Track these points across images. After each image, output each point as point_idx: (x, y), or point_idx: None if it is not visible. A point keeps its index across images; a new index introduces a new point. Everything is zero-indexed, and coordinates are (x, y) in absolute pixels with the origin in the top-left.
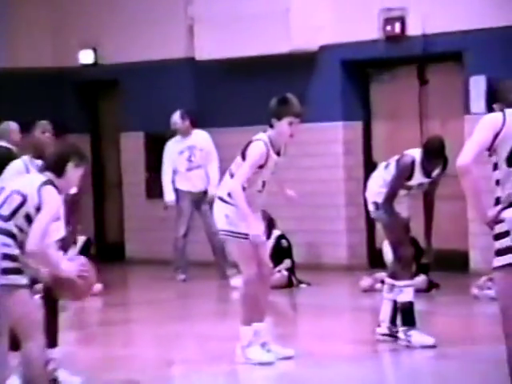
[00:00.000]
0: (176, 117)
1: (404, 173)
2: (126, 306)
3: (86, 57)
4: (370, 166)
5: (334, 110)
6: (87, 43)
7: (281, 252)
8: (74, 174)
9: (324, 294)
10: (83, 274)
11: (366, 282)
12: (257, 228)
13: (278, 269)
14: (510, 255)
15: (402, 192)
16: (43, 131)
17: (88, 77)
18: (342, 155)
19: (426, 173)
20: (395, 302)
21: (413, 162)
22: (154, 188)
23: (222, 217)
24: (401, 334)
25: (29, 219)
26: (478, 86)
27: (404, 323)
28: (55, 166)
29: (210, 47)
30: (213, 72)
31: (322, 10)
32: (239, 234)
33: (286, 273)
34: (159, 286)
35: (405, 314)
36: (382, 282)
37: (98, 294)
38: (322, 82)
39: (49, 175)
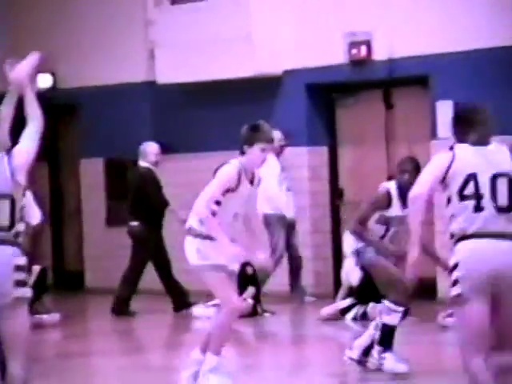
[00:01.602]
0: None
1: (378, 200)
2: (86, 338)
3: (44, 81)
4: (335, 192)
5: (298, 135)
6: (45, 67)
7: (245, 279)
8: None
9: (289, 322)
10: None
11: (327, 310)
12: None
13: (243, 297)
14: (458, 286)
15: (381, 228)
16: None
17: (46, 101)
18: (307, 181)
19: (403, 199)
20: (376, 335)
21: (388, 192)
22: (114, 215)
23: (193, 252)
24: (374, 353)
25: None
26: (444, 110)
27: (381, 343)
28: None
29: (171, 71)
30: (174, 96)
31: (286, 33)
32: (213, 266)
33: (250, 301)
34: (119, 316)
35: (385, 335)
36: (344, 311)
37: (56, 325)
38: (286, 106)
39: None
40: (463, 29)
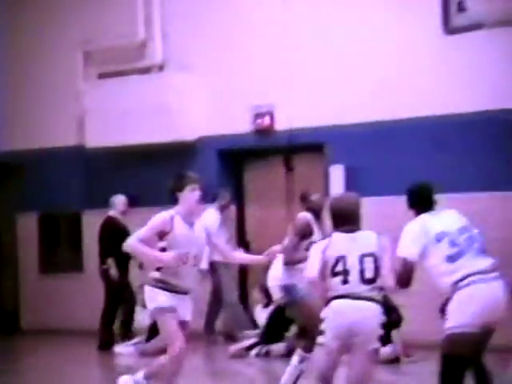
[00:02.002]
0: None
1: (302, 228)
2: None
3: None
4: (242, 246)
5: (210, 195)
6: None
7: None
8: None
9: (201, 359)
10: None
11: (235, 347)
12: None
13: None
14: (323, 336)
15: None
16: None
17: None
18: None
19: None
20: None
21: (308, 221)
22: (47, 263)
23: (147, 301)
24: None
25: None
26: (336, 173)
27: None
28: None
29: (99, 136)
30: (101, 158)
31: (200, 104)
32: (161, 308)
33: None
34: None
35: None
36: (249, 347)
37: None
38: (199, 169)
39: None
40: (351, 104)
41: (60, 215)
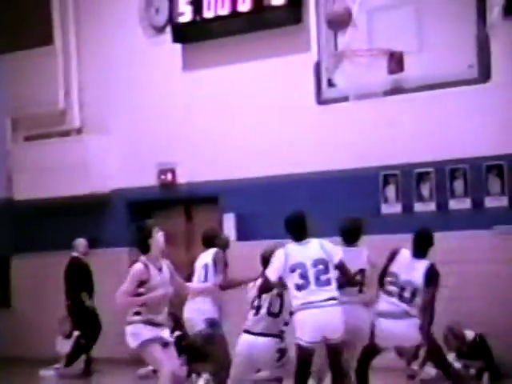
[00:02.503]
0: None
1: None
2: None
3: None
4: None
5: (121, 240)
6: None
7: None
8: None
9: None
10: None
11: (143, 370)
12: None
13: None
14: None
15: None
16: None
17: None
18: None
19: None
20: None
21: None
22: None
23: (130, 339)
24: None
25: None
26: (229, 220)
27: None
28: None
29: (26, 190)
30: (29, 209)
31: (113, 161)
32: (146, 341)
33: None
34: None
35: None
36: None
37: None
38: (112, 217)
39: None
40: (241, 162)
41: None
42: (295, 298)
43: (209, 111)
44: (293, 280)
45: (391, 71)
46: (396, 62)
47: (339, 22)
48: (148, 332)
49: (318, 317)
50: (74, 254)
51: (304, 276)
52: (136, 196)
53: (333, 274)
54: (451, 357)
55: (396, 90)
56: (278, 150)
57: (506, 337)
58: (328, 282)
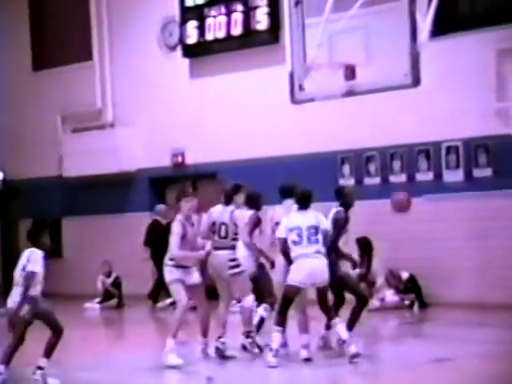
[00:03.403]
0: None
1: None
2: None
3: None
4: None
5: (143, 207)
6: None
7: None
8: None
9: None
10: None
11: (162, 303)
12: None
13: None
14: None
15: None
16: None
17: None
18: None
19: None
20: None
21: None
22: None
23: (165, 273)
24: None
25: None
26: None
27: None
28: None
29: (72, 169)
30: (74, 184)
31: (137, 147)
32: (174, 280)
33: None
34: None
35: None
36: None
37: None
38: (137, 190)
39: None
40: (235, 147)
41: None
42: (292, 250)
43: (210, 109)
44: (291, 237)
45: (346, 78)
46: (350, 71)
47: (402, 207)
48: (176, 274)
49: (310, 265)
50: (156, 217)
51: (299, 235)
52: (155, 173)
53: (321, 236)
54: (390, 292)
55: (350, 93)
56: (261, 138)
57: (431, 277)
58: (316, 241)
